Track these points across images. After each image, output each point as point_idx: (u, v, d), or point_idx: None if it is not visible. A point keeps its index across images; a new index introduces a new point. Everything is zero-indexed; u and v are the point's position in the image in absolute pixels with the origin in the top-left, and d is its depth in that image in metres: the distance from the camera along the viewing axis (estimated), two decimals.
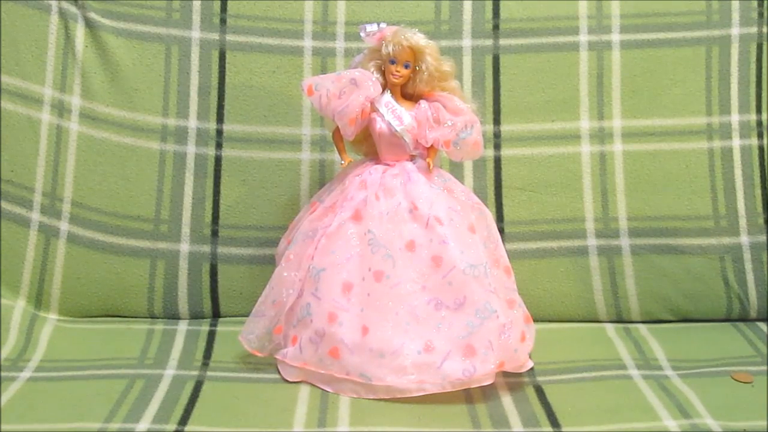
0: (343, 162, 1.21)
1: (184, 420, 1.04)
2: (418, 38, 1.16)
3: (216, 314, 1.36)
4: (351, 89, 1.16)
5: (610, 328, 1.34)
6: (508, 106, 1.37)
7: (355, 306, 1.12)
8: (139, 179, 1.34)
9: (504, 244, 1.23)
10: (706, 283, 1.35)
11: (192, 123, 1.35)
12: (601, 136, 1.37)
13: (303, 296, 1.15)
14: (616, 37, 1.37)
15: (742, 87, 1.37)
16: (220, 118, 1.36)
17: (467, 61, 1.37)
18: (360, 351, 1.10)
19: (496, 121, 1.37)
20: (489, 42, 1.37)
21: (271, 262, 1.30)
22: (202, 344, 1.26)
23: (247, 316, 1.19)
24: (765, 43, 1.37)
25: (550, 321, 1.35)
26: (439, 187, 1.18)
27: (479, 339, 1.10)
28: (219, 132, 1.36)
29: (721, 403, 1.09)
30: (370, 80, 1.17)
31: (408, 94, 1.20)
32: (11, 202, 1.32)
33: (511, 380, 1.15)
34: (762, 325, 1.34)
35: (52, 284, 1.33)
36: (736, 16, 1.37)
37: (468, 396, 1.11)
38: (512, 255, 1.29)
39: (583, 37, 1.37)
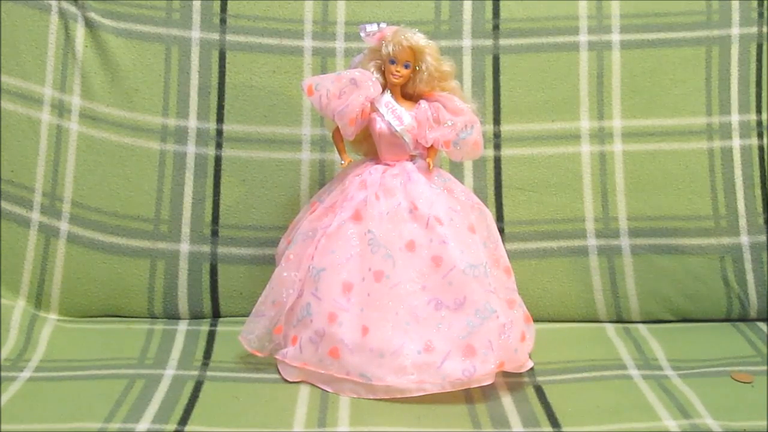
0: (343, 162, 1.21)
1: (184, 420, 1.04)
2: (418, 38, 1.16)
3: (216, 314, 1.36)
4: (351, 89, 1.16)
5: (610, 328, 1.34)
6: (508, 106, 1.37)
7: (355, 306, 1.12)
8: (139, 179, 1.34)
9: (504, 244, 1.23)
10: (706, 283, 1.35)
11: (192, 123, 1.35)
12: (601, 136, 1.37)
13: (303, 296, 1.15)
14: (616, 37, 1.37)
15: (742, 87, 1.37)
16: (220, 118, 1.36)
17: (467, 61, 1.37)
18: (360, 351, 1.10)
19: (496, 121, 1.37)
20: (489, 42, 1.37)
21: (271, 262, 1.30)
22: (202, 344, 1.26)
23: (247, 316, 1.19)
24: (765, 43, 1.37)
25: (550, 321, 1.35)
26: (439, 187, 1.18)
27: (479, 339, 1.10)
28: (219, 132, 1.36)
29: (721, 403, 1.09)
30: (370, 80, 1.17)
31: (408, 94, 1.20)
32: (11, 202, 1.32)
33: (511, 380, 1.15)
34: (762, 325, 1.34)
35: (52, 284, 1.33)
36: (736, 16, 1.37)
37: (468, 396, 1.11)
38: (512, 255, 1.29)
39: (583, 37, 1.37)
